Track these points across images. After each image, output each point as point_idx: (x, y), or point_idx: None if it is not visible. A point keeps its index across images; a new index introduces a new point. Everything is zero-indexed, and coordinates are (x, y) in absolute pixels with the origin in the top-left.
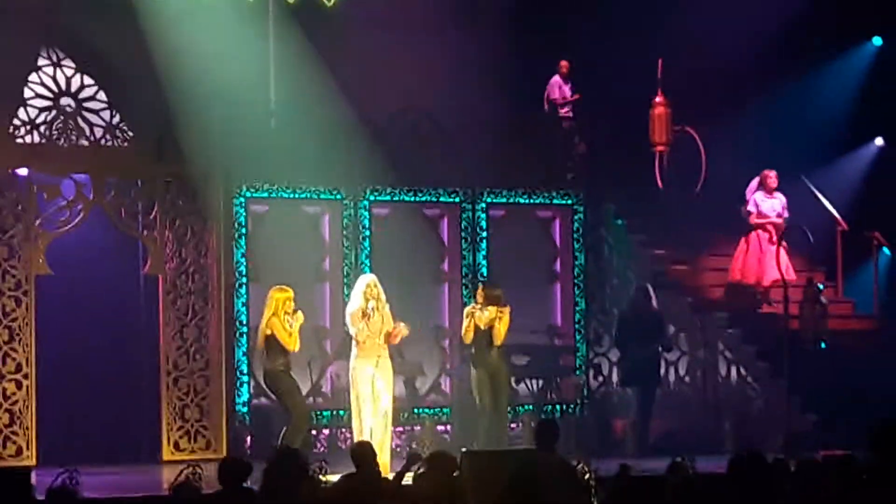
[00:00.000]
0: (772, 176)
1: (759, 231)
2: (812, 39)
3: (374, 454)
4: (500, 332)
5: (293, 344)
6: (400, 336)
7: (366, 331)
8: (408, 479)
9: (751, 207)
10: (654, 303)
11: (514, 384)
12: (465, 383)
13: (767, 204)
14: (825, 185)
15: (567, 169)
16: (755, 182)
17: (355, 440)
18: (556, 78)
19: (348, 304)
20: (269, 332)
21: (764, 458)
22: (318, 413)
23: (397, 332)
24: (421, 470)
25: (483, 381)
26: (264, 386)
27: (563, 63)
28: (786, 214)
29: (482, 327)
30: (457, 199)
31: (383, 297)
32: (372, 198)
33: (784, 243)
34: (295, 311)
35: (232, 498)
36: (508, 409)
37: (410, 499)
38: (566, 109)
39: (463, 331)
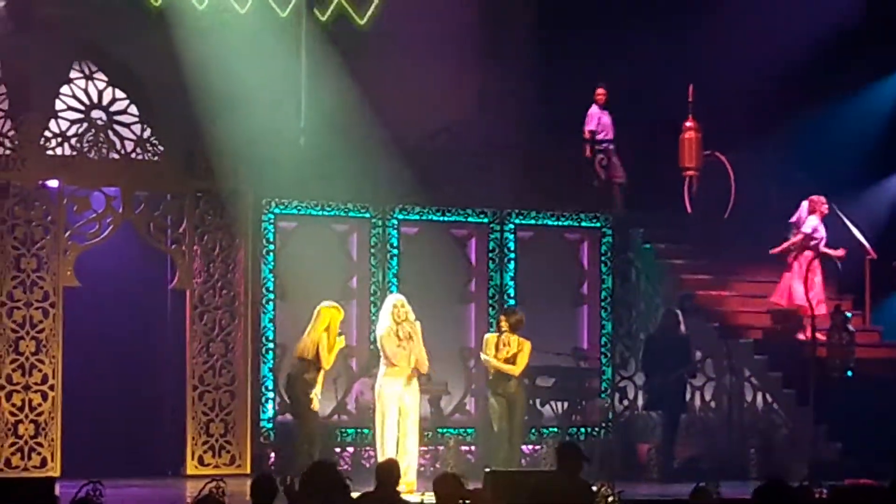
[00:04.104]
0: (825, 201)
1: (806, 256)
2: (842, 67)
3: (398, 474)
4: (520, 363)
5: (329, 363)
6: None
7: (400, 352)
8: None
9: (805, 228)
10: (683, 327)
11: (539, 406)
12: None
13: (821, 230)
14: (854, 213)
15: (595, 193)
16: (805, 206)
17: (378, 458)
18: (594, 108)
19: (377, 324)
20: (316, 343)
21: (788, 486)
22: (343, 430)
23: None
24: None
25: (500, 408)
26: (282, 387)
27: (600, 91)
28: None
29: (503, 358)
30: (485, 220)
31: (412, 316)
32: (400, 216)
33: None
34: (340, 334)
35: None
36: (532, 430)
37: None
38: (604, 144)
39: (484, 361)
